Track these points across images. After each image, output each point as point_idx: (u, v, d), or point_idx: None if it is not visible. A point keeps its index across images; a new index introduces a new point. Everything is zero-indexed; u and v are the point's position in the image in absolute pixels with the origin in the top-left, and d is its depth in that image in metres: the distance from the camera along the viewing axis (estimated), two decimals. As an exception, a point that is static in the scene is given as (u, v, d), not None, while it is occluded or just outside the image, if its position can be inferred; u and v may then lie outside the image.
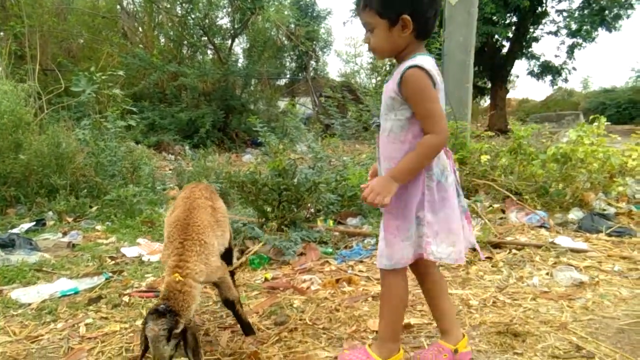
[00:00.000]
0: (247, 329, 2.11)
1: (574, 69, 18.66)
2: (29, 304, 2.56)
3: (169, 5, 13.67)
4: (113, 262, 3.32)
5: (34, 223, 4.34)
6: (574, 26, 16.79)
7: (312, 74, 17.12)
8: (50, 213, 4.65)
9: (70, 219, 4.55)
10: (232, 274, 2.38)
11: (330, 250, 3.42)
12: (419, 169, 1.63)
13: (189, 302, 1.74)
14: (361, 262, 3.20)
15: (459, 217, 1.69)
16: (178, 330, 1.64)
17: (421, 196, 1.65)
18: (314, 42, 17.53)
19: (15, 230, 4.05)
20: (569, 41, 17.72)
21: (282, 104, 14.81)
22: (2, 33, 10.69)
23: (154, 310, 1.67)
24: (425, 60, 1.60)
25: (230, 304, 2.03)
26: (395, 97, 1.64)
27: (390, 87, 1.66)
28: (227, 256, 2.25)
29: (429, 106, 1.59)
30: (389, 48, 1.66)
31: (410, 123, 1.64)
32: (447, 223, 1.66)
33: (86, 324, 2.31)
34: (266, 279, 2.92)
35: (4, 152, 4.89)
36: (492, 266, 2.98)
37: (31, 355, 2.04)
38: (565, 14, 17.18)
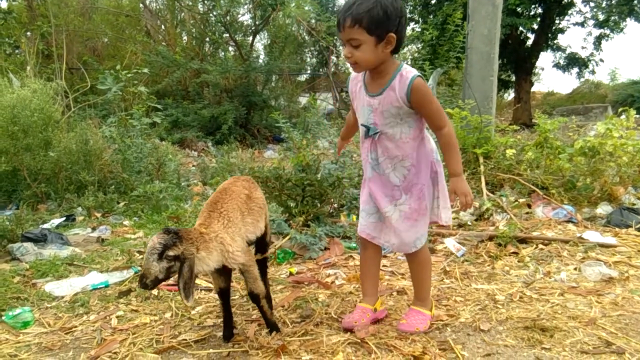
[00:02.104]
0: (271, 326, 2.09)
1: (602, 60, 18.28)
2: (62, 297, 2.64)
3: (191, 3, 13.80)
4: (141, 256, 3.39)
5: (64, 218, 4.45)
6: (601, 17, 16.39)
7: (332, 69, 17.08)
8: (80, 209, 4.77)
9: (98, 215, 4.66)
10: (265, 263, 2.36)
11: (354, 245, 3.43)
12: (460, 156, 1.98)
13: (199, 245, 1.74)
14: (385, 257, 3.20)
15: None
16: (172, 253, 1.64)
17: (433, 174, 2.02)
18: (335, 37, 17.48)
19: (46, 226, 4.16)
20: (596, 32, 17.33)
21: (303, 99, 14.83)
22: (29, 33, 10.95)
23: (163, 229, 1.70)
24: (415, 70, 1.90)
25: (255, 297, 2.00)
26: (402, 105, 1.89)
27: (394, 98, 1.90)
28: (261, 247, 2.27)
29: (435, 106, 1.91)
30: (374, 61, 1.86)
31: (415, 123, 1.96)
32: (445, 192, 2.04)
33: (117, 316, 2.37)
34: (291, 273, 2.95)
35: (34, 149, 5.02)
36: (518, 261, 2.95)
37: (66, 345, 2.10)
38: (592, 4, 16.77)
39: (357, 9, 1.74)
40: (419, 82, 1.85)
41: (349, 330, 2.09)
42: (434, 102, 1.90)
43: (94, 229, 4.19)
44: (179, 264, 1.67)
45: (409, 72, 1.87)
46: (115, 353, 2.00)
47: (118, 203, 4.94)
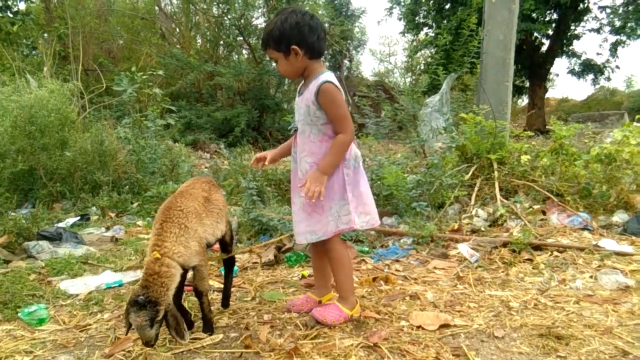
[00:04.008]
0: (207, 325, 2.16)
1: (617, 67, 18.07)
2: (77, 295, 2.66)
3: (205, 6, 13.91)
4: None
5: (78, 218, 4.50)
6: (617, 23, 16.26)
7: (345, 73, 17.10)
8: (94, 208, 4.82)
9: (112, 214, 4.70)
10: (232, 262, 2.52)
11: (366, 249, 3.42)
12: (338, 162, 2.11)
13: (167, 285, 1.82)
14: (397, 261, 3.19)
15: (370, 193, 2.25)
16: (158, 318, 1.77)
17: (343, 182, 2.14)
18: (348, 41, 17.52)
19: (61, 225, 4.21)
20: (612, 38, 17.23)
21: (316, 103, 14.85)
22: (46, 34, 11.10)
23: (134, 302, 1.76)
24: (331, 76, 2.11)
25: (199, 293, 2.12)
26: (311, 105, 2.09)
27: (307, 98, 2.11)
28: (224, 247, 2.42)
29: (340, 111, 2.09)
30: (291, 71, 2.14)
31: (324, 128, 2.12)
32: (362, 199, 2.19)
33: (131, 315, 2.38)
34: (303, 276, 2.95)
35: (50, 149, 5.09)
36: (532, 268, 2.92)
37: (80, 343, 2.12)
38: (608, 10, 16.64)
39: (264, 35, 2.11)
40: (327, 86, 2.05)
41: (287, 309, 2.37)
42: (340, 108, 2.08)
43: (108, 228, 4.23)
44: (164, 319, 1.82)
45: (324, 76, 2.08)
46: (129, 352, 2.01)
47: (132, 203, 4.98)
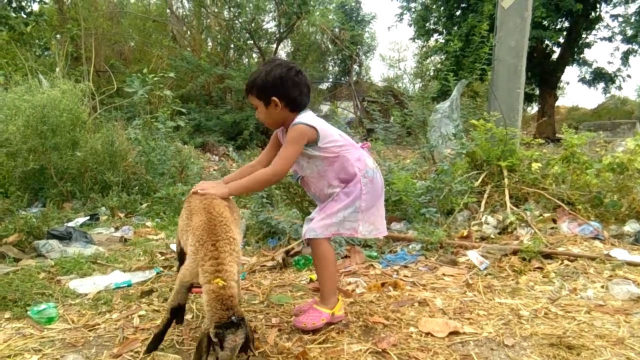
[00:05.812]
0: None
1: (629, 76, 18.14)
2: (86, 294, 2.67)
3: (217, 10, 13.99)
4: (163, 257, 3.42)
5: (88, 217, 4.52)
6: (629, 32, 16.18)
7: (355, 78, 17.12)
8: (104, 208, 4.84)
9: (122, 215, 4.72)
10: None
11: (374, 254, 3.41)
12: (248, 190, 2.17)
13: (238, 301, 1.82)
14: (406, 267, 3.18)
15: (382, 204, 2.27)
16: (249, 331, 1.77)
17: (359, 191, 2.14)
18: (358, 47, 17.54)
19: (71, 224, 4.23)
20: (624, 47, 17.13)
21: (325, 107, 14.88)
22: (59, 35, 11.21)
23: (229, 324, 1.72)
24: (305, 117, 2.11)
25: None
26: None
27: None
28: None
29: (286, 149, 2.08)
30: (269, 120, 2.17)
31: (323, 156, 2.14)
32: (373, 209, 2.20)
33: (139, 316, 2.39)
34: (311, 280, 2.94)
35: (62, 148, 5.13)
36: (543, 277, 2.90)
37: (89, 342, 2.12)
38: (620, 19, 16.56)
39: (249, 81, 2.14)
40: (296, 127, 2.07)
41: (295, 314, 2.29)
42: (288, 146, 2.08)
43: (117, 228, 4.24)
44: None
45: (298, 118, 2.10)
46: (136, 352, 2.01)
47: (141, 204, 5.01)
